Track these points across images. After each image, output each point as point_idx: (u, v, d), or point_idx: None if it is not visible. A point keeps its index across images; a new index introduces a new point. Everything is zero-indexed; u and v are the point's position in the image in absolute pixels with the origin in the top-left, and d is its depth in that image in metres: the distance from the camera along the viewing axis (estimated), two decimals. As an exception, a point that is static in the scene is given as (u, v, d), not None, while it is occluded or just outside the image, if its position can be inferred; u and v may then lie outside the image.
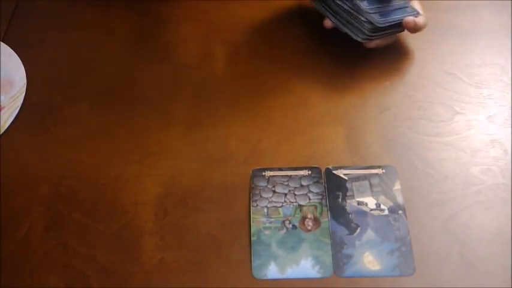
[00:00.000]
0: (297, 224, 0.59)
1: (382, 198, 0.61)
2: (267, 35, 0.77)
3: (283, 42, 0.76)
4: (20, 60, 0.74)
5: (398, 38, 0.73)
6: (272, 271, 0.56)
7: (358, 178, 0.62)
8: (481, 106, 0.69)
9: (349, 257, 0.57)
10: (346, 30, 0.70)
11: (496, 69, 0.72)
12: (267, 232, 0.59)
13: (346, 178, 0.62)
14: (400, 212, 0.60)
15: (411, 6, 0.71)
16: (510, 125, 0.67)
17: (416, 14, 0.70)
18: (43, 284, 0.56)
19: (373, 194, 0.61)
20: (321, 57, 0.74)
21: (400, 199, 0.61)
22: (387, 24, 0.68)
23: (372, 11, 0.67)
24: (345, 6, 0.68)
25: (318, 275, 0.56)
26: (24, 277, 0.57)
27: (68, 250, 0.58)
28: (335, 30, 0.72)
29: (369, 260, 0.57)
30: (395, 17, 0.68)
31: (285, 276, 0.56)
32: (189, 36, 0.73)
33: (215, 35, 0.77)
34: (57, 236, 0.59)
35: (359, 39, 0.69)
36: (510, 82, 0.71)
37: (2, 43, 0.75)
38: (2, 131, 0.67)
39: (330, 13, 0.71)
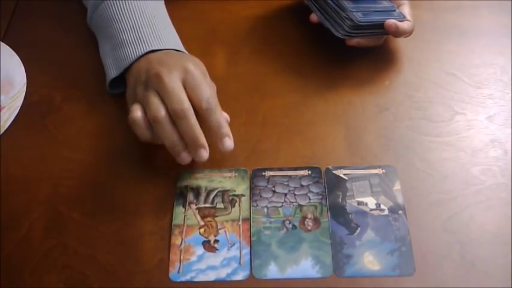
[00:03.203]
0: (297, 224, 0.59)
1: (382, 198, 0.61)
2: (267, 35, 0.77)
3: (283, 42, 0.76)
4: (20, 60, 0.73)
5: (398, 39, 0.73)
6: (272, 271, 0.56)
7: (358, 178, 0.62)
8: (481, 106, 0.69)
9: (349, 257, 0.57)
10: (328, 25, 0.70)
11: (496, 69, 0.72)
12: (267, 232, 0.59)
13: (346, 178, 0.62)
14: (400, 212, 0.60)
15: (399, 11, 0.71)
16: (510, 125, 0.67)
17: (403, 18, 0.70)
18: (43, 284, 0.56)
19: (373, 194, 0.61)
20: (320, 57, 0.74)
21: (400, 199, 0.61)
22: (368, 24, 0.68)
23: (354, 10, 0.68)
24: (331, 3, 0.69)
25: (318, 275, 0.56)
26: (24, 277, 0.57)
27: (68, 250, 0.58)
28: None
29: (369, 260, 0.57)
30: (377, 18, 0.69)
31: (285, 276, 0.56)
32: (189, 36, 0.73)
33: (215, 35, 0.77)
34: (57, 236, 0.59)
35: (339, 35, 0.69)
36: (510, 82, 0.71)
37: (2, 43, 0.75)
38: (2, 131, 0.67)
39: (317, 8, 0.72)
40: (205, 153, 0.60)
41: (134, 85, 0.64)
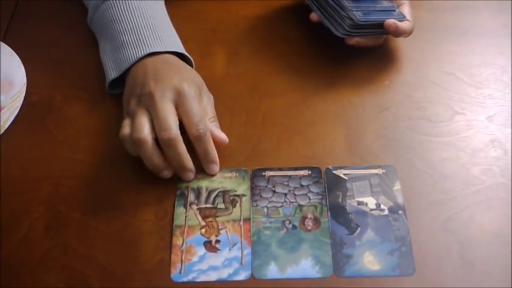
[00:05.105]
0: (297, 224, 0.59)
1: (382, 198, 0.61)
2: (267, 35, 0.77)
3: (283, 42, 0.76)
4: (20, 60, 0.73)
5: (398, 39, 0.73)
6: (272, 271, 0.56)
7: (358, 178, 0.62)
8: (481, 106, 0.69)
9: (349, 257, 0.57)
10: (328, 24, 0.70)
11: (496, 69, 0.72)
12: (267, 232, 0.59)
13: (346, 178, 0.62)
14: (400, 212, 0.60)
15: (399, 10, 0.71)
16: (510, 125, 0.67)
17: (402, 18, 0.70)
18: (43, 284, 0.56)
19: (373, 194, 0.61)
20: (320, 57, 0.74)
21: (400, 199, 0.61)
22: (367, 23, 0.68)
23: (354, 9, 0.68)
24: (331, 2, 0.70)
25: (318, 275, 0.56)
26: (24, 277, 0.57)
27: (68, 250, 0.58)
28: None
29: (369, 260, 0.57)
30: (377, 17, 0.69)
31: (285, 276, 0.56)
32: (189, 36, 0.73)
33: (215, 35, 0.77)
34: (57, 236, 0.59)
35: (339, 34, 0.69)
36: (510, 82, 0.71)
37: (2, 43, 0.75)
38: (2, 131, 0.67)
39: (317, 7, 0.72)
40: (191, 175, 0.62)
41: (129, 93, 0.64)
